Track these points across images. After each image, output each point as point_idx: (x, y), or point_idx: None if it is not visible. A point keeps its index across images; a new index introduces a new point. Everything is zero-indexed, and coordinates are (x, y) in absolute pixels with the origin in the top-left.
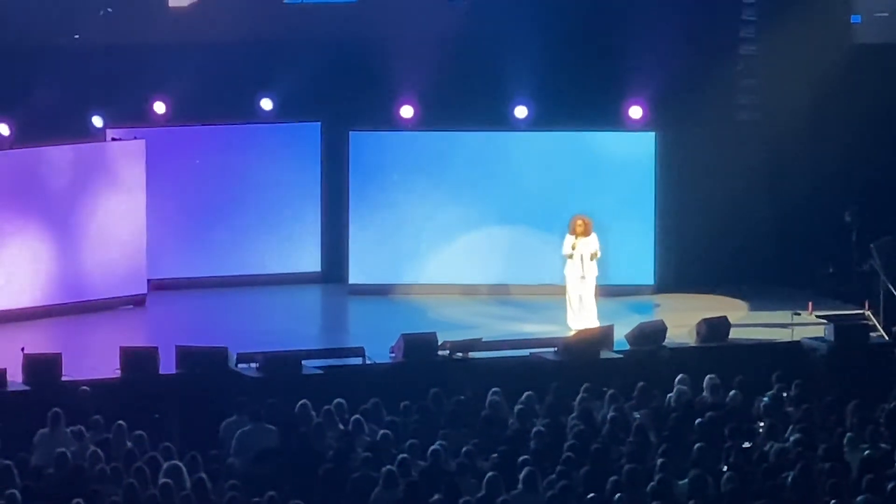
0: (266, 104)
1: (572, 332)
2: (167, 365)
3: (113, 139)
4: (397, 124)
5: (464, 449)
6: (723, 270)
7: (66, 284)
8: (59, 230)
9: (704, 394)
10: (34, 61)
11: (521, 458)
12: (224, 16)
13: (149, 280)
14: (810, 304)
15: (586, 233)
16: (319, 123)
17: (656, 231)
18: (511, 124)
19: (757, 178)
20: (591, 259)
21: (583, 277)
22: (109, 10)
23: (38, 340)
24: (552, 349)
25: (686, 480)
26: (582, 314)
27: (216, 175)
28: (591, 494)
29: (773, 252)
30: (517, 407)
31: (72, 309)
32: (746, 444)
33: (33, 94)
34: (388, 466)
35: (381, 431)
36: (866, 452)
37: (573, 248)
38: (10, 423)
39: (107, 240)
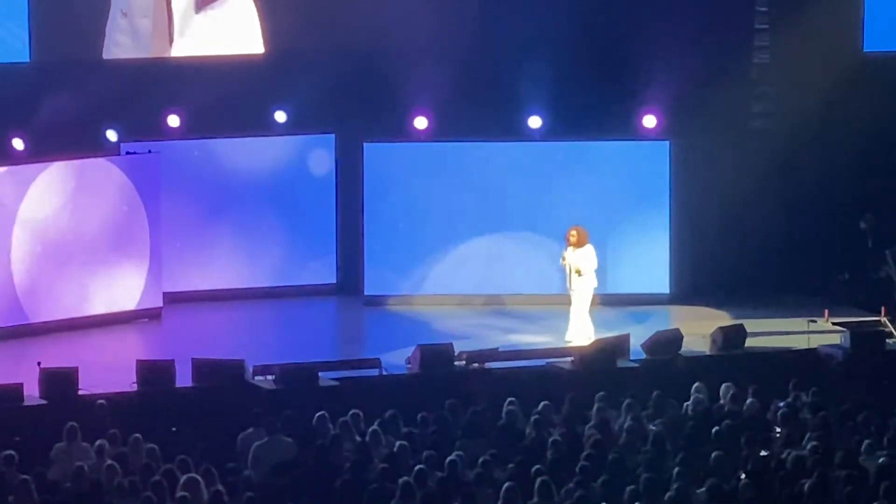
0: (280, 116)
1: (569, 344)
2: (183, 378)
3: (127, 153)
4: (411, 135)
5: (481, 459)
6: (738, 278)
7: (82, 298)
8: (74, 245)
9: (721, 402)
10: (48, 75)
11: (537, 468)
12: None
13: (164, 293)
14: (826, 311)
15: (579, 244)
16: (333, 135)
17: (671, 240)
18: (525, 134)
19: (771, 186)
20: (577, 274)
21: (571, 290)
22: None
23: (54, 354)
24: (568, 359)
25: (703, 489)
26: (572, 327)
27: (231, 188)
28: None
29: (788, 259)
30: (533, 417)
31: (88, 322)
32: (763, 452)
33: (47, 109)
34: (405, 477)
35: (398, 442)
36: (883, 459)
37: (563, 260)
38: (27, 437)
39: (122, 253)
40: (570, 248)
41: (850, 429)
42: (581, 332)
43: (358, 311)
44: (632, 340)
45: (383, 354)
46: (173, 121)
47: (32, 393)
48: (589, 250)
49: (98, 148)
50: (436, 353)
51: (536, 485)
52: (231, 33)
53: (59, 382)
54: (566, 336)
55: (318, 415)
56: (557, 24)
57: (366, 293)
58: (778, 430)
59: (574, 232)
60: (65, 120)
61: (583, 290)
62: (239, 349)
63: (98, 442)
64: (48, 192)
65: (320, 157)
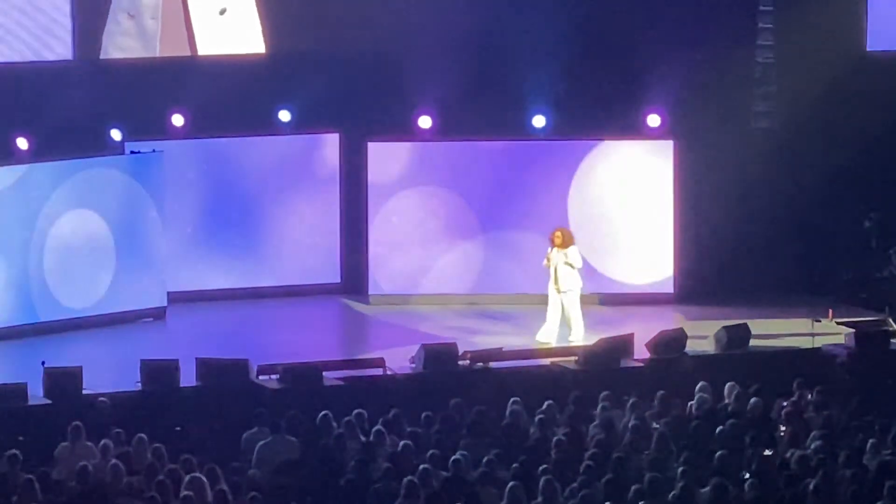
0: (284, 115)
1: (540, 343)
2: (188, 377)
3: (132, 152)
4: (415, 134)
5: (485, 459)
6: (742, 278)
7: (88, 297)
8: (78, 244)
9: (725, 401)
10: (53, 75)
11: (541, 468)
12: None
13: (169, 292)
14: (830, 310)
15: (563, 245)
16: (337, 134)
17: (675, 239)
18: (529, 133)
19: (775, 185)
20: (569, 266)
21: (558, 290)
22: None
23: (58, 354)
24: (572, 358)
25: (707, 489)
26: (571, 328)
27: (235, 187)
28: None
29: (792, 259)
30: (538, 416)
31: (92, 322)
32: (768, 452)
33: (52, 108)
34: (410, 477)
35: (402, 442)
36: (888, 459)
37: (548, 261)
38: (31, 436)
39: (126, 253)
40: (554, 249)
41: (854, 428)
42: (578, 331)
43: (362, 310)
44: (636, 340)
45: (387, 353)
46: (177, 120)
47: (36, 392)
48: (573, 251)
49: (102, 147)
50: (440, 353)
51: (541, 484)
52: (239, 32)
53: (63, 382)
54: (570, 336)
55: (322, 414)
56: (562, 23)
57: (370, 292)
58: (782, 429)
59: (559, 233)
60: (68, 120)
61: (572, 290)
62: (243, 349)
63: (102, 441)
64: (62, 193)
65: (324, 156)
